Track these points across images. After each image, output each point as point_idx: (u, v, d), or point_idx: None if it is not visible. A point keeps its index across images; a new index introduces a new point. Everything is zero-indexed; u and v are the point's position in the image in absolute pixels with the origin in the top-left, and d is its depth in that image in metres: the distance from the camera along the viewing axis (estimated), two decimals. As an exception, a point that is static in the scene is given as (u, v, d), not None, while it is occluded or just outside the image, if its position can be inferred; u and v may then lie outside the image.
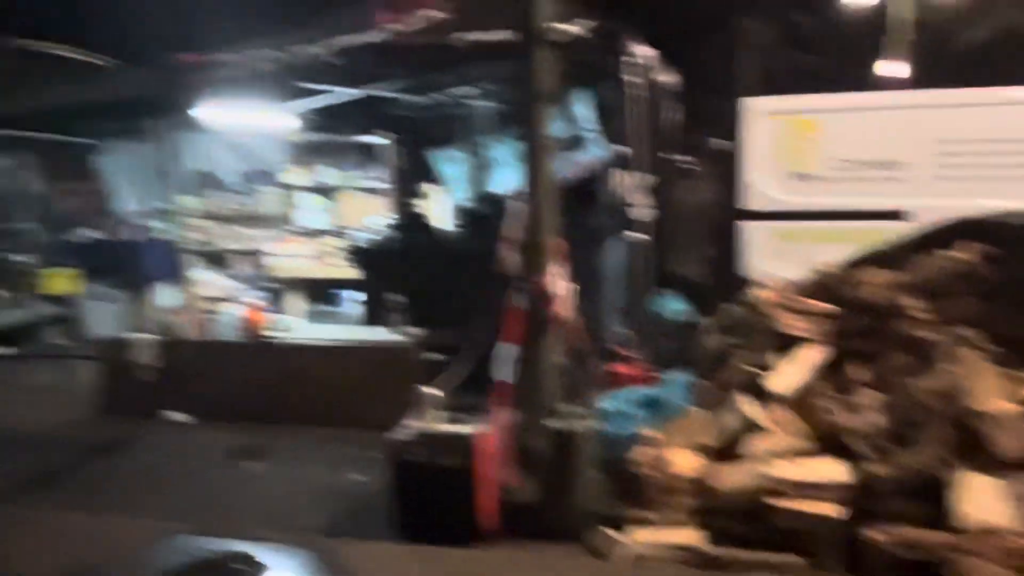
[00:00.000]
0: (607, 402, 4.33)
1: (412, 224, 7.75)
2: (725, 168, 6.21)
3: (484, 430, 3.86)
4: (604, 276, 5.77)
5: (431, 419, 3.95)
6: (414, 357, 5.69)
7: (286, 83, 6.19)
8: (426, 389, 4.05)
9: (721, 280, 5.99)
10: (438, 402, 4.04)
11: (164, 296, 9.10)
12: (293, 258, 8.85)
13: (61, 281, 9.00)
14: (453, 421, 3.98)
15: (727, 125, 6.19)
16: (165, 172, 6.48)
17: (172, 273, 7.89)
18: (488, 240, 4.59)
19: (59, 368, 7.31)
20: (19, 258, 9.48)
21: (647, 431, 3.94)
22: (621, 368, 4.84)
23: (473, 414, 4.04)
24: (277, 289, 8.96)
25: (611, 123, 6.26)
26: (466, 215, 7.54)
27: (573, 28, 4.47)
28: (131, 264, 8.93)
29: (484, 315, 4.51)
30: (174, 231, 6.85)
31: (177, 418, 6.01)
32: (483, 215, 7.09)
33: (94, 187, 10.16)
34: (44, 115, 7.16)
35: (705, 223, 6.36)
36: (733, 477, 3.56)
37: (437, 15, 5.11)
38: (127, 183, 10.30)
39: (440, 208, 8.44)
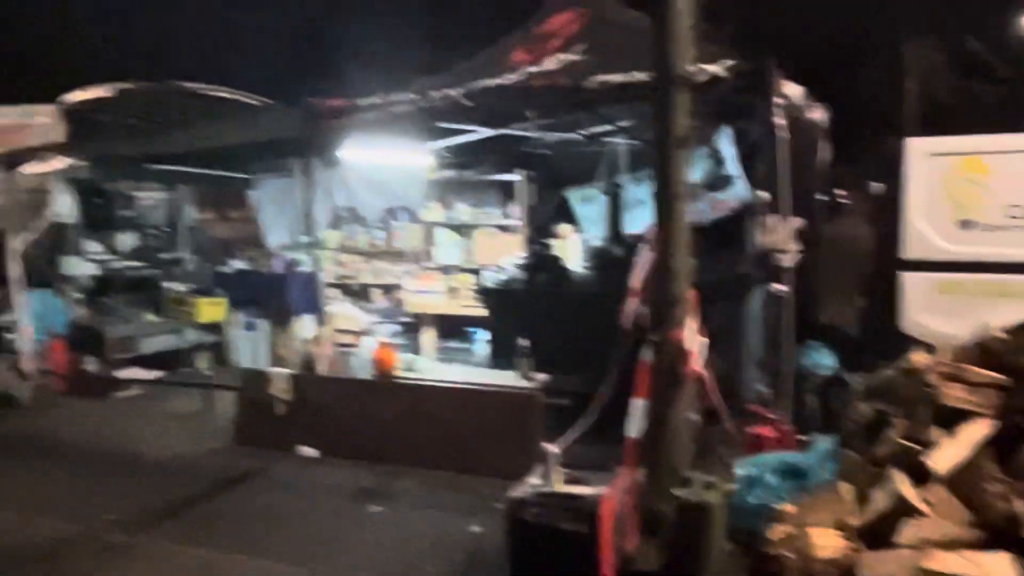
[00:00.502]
0: (742, 467, 4.05)
1: (543, 264, 7.68)
2: (882, 212, 5.83)
3: (608, 492, 3.69)
4: (744, 327, 5.48)
5: (553, 478, 3.81)
6: (539, 404, 5.58)
7: (425, 124, 6.30)
8: (549, 446, 3.92)
9: (874, 334, 5.60)
10: (561, 460, 3.90)
11: (305, 328, 9.48)
12: (428, 294, 8.98)
13: (211, 310, 9.49)
14: (576, 480, 3.83)
15: (885, 165, 5.81)
16: (310, 207, 6.71)
17: (313, 305, 8.16)
18: (620, 284, 4.45)
19: (201, 395, 7.64)
20: (174, 286, 10.07)
21: (785, 503, 3.64)
22: (759, 430, 4.53)
23: (597, 473, 3.87)
24: (411, 323, 9.13)
25: (756, 163, 6.00)
26: (598, 256, 7.41)
27: (714, 68, 4.29)
28: (276, 295, 9.34)
29: (613, 364, 4.35)
30: (317, 264, 7.08)
31: (306, 453, 6.14)
32: (616, 257, 6.94)
33: (245, 220, 10.71)
34: (202, 151, 7.58)
35: (858, 271, 5.97)
36: (882, 566, 3.21)
37: (572, 58, 5.05)
38: (275, 217, 10.82)
39: (573, 248, 8.35)
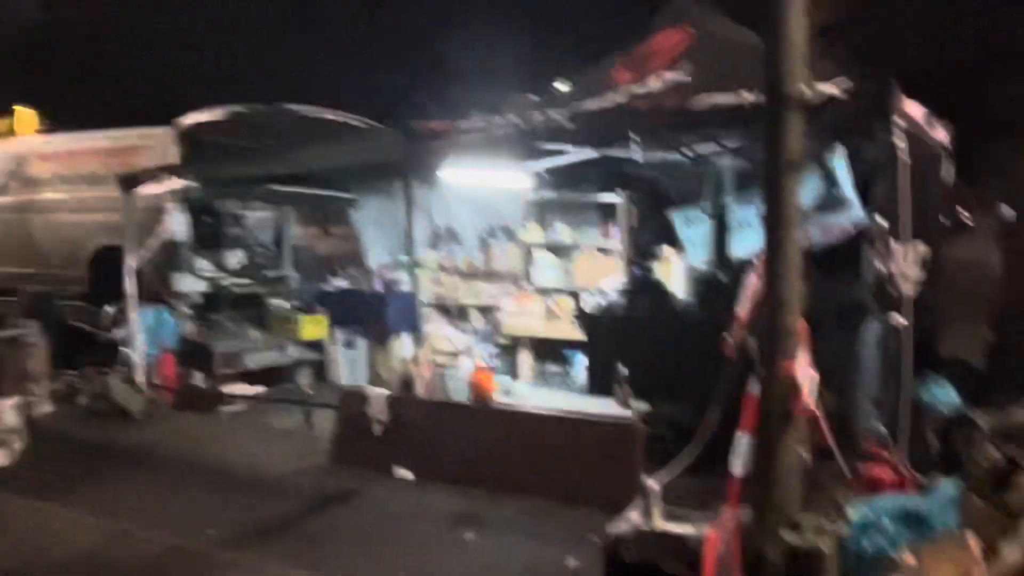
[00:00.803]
0: (856, 511, 3.82)
1: (644, 288, 7.55)
2: (1015, 236, 5.47)
3: (711, 532, 3.54)
4: (858, 360, 5.21)
5: (652, 515, 3.70)
6: (638, 434, 5.45)
7: (526, 145, 6.30)
8: (649, 480, 3.80)
9: (1003, 370, 5.23)
10: (661, 495, 3.78)
11: (403, 348, 9.60)
12: (525, 316, 8.97)
13: (313, 327, 9.73)
14: (677, 518, 3.70)
15: (1019, 186, 5.45)
16: (409, 227, 6.80)
17: (412, 325, 8.27)
18: (725, 311, 4.30)
19: (302, 413, 7.81)
20: (278, 303, 10.38)
21: (904, 552, 3.42)
22: (875, 471, 4.29)
23: (700, 510, 3.74)
24: (508, 346, 9.13)
25: (873, 185, 5.73)
26: (703, 282, 7.22)
27: (829, 88, 4.12)
28: (375, 314, 9.52)
29: (717, 395, 4.21)
30: (416, 284, 7.16)
31: (402, 475, 6.18)
32: (721, 283, 6.75)
33: (347, 239, 10.96)
34: (308, 172, 7.80)
35: (985, 300, 5.61)
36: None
37: (678, 77, 4.95)
38: (376, 236, 11.04)
39: (676, 272, 8.18)
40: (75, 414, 8.21)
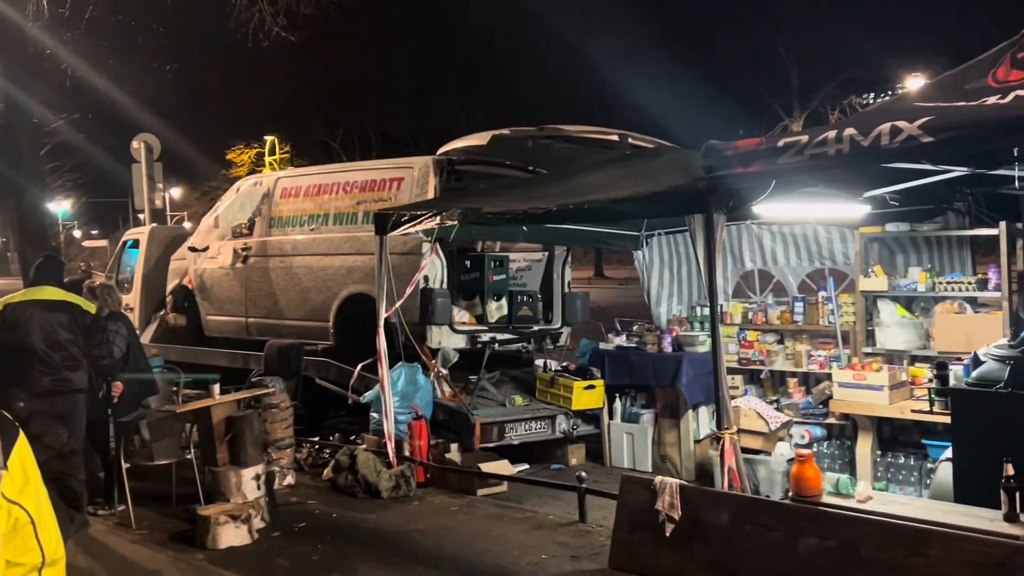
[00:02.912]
0: None
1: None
2: None
3: None
4: None
5: None
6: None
7: (866, 166, 6.01)
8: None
9: None
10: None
11: (699, 425, 9.49)
12: (864, 389, 8.50)
13: (586, 394, 9.90)
14: None
15: None
16: (710, 271, 6.70)
17: (711, 396, 8.14)
18: None
19: (573, 500, 7.89)
20: (546, 363, 10.67)
21: None
22: None
23: None
24: (840, 428, 8.72)
25: None
26: None
27: None
28: (664, 381, 9.49)
29: None
30: (717, 343, 7.02)
31: (698, 590, 6.03)
32: None
33: (630, 287, 11.08)
34: (583, 205, 7.97)
35: None
36: None
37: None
38: (666, 283, 11.09)
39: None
40: (319, 488, 8.92)
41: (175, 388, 9.15)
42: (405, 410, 9.24)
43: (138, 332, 9.82)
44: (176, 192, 47.23)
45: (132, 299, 14.12)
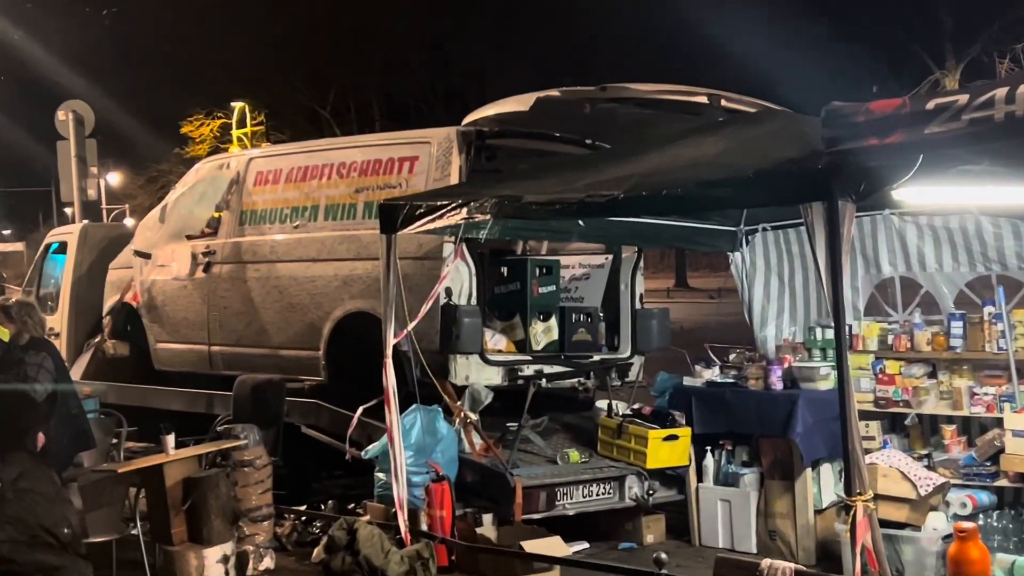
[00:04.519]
0: None
1: None
2: None
3: None
4: None
5: None
6: None
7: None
8: None
9: None
10: None
11: (821, 487, 9.39)
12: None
13: (665, 448, 9.80)
14: None
15: None
16: (835, 279, 6.64)
17: (835, 449, 8.05)
18: None
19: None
20: (611, 406, 10.56)
21: None
22: None
23: None
24: (1016, 492, 8.63)
25: None
26: None
27: None
28: (774, 429, 9.39)
29: None
30: (844, 377, 6.97)
31: None
32: None
33: (722, 300, 11.01)
34: (656, 190, 7.95)
35: None
36: None
37: None
38: (772, 295, 11.00)
39: None
40: (307, 574, 8.91)
41: (115, 440, 9.21)
42: (421, 469, 9.22)
43: (67, 365, 9.88)
44: (115, 179, 47.75)
45: (58, 321, 14.26)
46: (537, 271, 10.84)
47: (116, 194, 46.41)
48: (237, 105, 25.94)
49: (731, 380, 10.02)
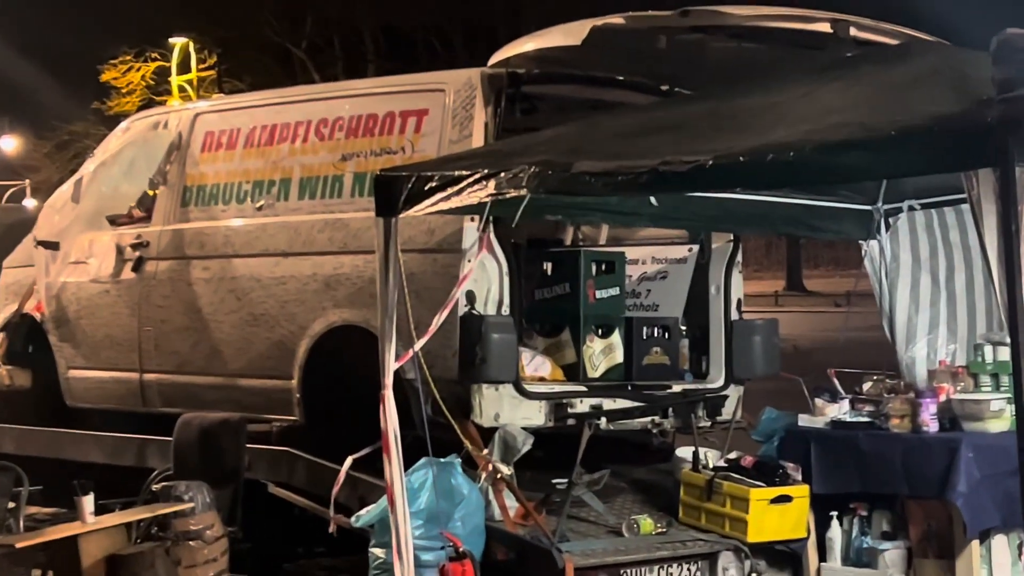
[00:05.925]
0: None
1: None
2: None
3: None
4: None
5: None
6: None
7: None
8: None
9: None
10: None
11: (991, 568, 9.37)
12: None
13: (773, 513, 9.78)
14: None
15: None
16: (1015, 275, 6.64)
17: (1008, 515, 8.03)
18: None
19: None
20: (696, 454, 10.57)
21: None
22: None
23: None
24: None
25: None
26: None
27: None
28: (929, 487, 9.36)
29: None
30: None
31: None
32: None
33: (852, 304, 10.97)
34: (758, 155, 7.97)
35: None
36: None
37: None
38: (925, 297, 10.97)
39: None
40: None
41: (12, 504, 9.27)
42: (435, 543, 9.23)
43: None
44: (11, 145, 48.13)
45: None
46: (593, 268, 10.83)
47: (12, 166, 46.74)
48: (178, 42, 25.93)
49: (866, 419, 9.98)
